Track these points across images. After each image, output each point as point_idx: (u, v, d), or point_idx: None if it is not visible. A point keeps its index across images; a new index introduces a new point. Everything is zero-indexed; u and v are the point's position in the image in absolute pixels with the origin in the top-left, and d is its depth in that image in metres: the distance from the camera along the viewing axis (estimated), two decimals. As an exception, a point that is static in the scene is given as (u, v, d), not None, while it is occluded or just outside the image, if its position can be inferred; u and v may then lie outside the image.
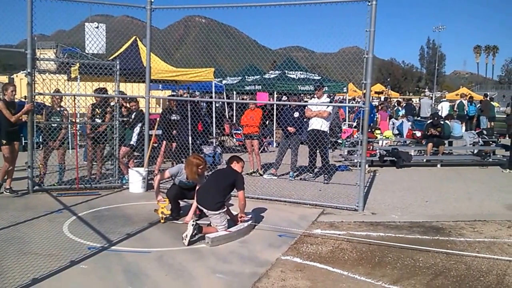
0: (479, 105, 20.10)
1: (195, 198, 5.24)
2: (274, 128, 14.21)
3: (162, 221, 5.54)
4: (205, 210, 5.09)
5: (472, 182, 8.81)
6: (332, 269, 4.16)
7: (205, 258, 4.41)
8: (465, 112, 18.20)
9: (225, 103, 16.20)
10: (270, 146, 13.62)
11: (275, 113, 13.02)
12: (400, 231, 5.46)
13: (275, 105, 12.91)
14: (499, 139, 13.85)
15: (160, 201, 5.55)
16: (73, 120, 7.61)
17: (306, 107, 8.51)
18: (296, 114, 8.76)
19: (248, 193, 6.94)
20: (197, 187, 5.44)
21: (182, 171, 5.64)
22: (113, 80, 7.61)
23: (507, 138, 17.74)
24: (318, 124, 8.25)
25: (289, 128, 8.63)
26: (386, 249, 4.75)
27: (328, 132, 8.53)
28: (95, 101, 7.78)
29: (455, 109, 18.81)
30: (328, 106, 8.40)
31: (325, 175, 8.32)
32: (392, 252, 4.66)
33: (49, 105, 7.47)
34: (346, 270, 4.15)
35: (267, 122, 14.22)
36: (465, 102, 18.63)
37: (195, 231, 4.73)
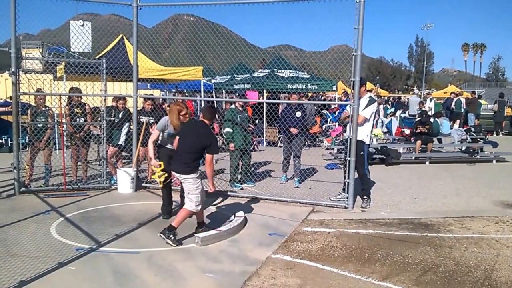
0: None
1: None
2: (264, 127, 14.19)
3: (161, 184, 5.50)
4: (177, 175, 4.89)
5: (460, 178, 8.91)
6: (322, 267, 4.17)
7: (195, 257, 4.38)
8: (462, 109, 17.88)
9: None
10: (260, 145, 13.61)
11: (264, 112, 12.98)
12: (389, 228, 5.50)
13: (264, 103, 12.87)
14: (487, 136, 14.03)
15: (155, 165, 5.47)
16: (59, 120, 7.49)
17: (343, 111, 6.56)
18: (298, 114, 7.89)
19: (239, 192, 7.00)
20: (177, 138, 5.19)
21: (168, 122, 5.61)
22: (100, 79, 7.50)
23: (495, 135, 18.00)
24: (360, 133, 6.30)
25: (292, 130, 7.77)
26: (376, 246, 4.78)
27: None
28: (72, 102, 7.54)
29: (452, 106, 18.31)
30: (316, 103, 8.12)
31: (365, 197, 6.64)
32: (382, 249, 4.69)
33: (35, 105, 7.34)
34: (336, 267, 4.16)
35: (256, 121, 14.20)
36: (463, 99, 18.23)
37: (169, 234, 4.68)
